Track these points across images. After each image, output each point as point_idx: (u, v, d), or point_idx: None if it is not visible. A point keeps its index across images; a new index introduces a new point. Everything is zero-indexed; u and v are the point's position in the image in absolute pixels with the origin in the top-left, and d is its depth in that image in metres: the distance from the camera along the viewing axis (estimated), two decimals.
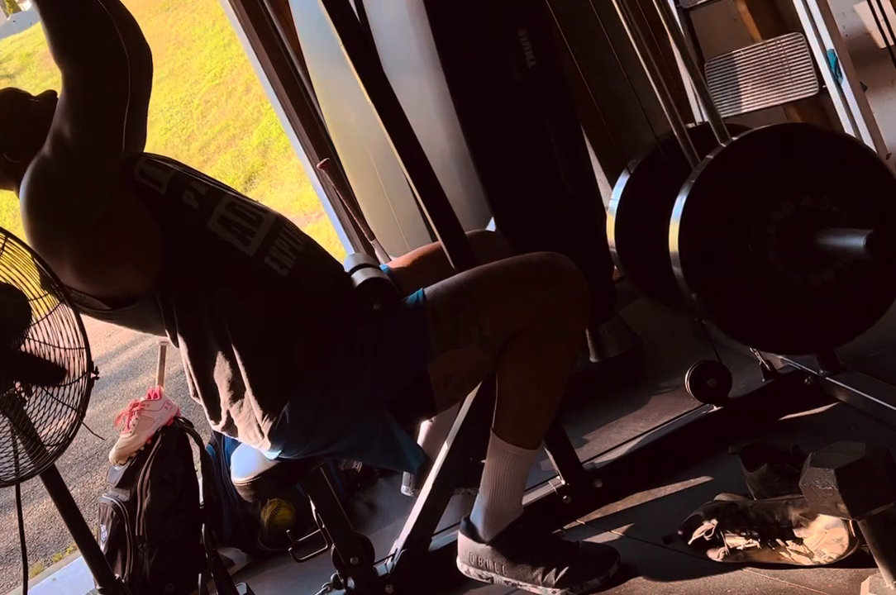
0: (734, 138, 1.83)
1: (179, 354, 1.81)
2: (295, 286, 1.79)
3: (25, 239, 1.67)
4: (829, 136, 1.90)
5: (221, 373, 1.76)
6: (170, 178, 1.80)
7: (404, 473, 2.38)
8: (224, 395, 1.77)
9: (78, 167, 1.65)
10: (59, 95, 1.67)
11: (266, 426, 1.74)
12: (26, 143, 1.73)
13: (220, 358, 1.75)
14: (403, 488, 2.37)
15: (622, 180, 2.13)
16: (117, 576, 1.77)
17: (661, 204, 1.86)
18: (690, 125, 2.01)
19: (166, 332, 1.80)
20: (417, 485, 2.27)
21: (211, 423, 1.85)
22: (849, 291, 1.79)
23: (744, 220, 1.76)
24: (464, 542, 1.86)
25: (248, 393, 1.73)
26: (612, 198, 2.17)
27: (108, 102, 1.64)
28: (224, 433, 1.86)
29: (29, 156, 1.72)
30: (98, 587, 1.75)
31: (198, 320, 1.74)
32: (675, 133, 1.96)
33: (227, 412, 1.79)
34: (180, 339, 1.77)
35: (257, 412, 1.74)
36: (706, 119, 1.91)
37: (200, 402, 1.82)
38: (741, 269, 1.77)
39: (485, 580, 1.85)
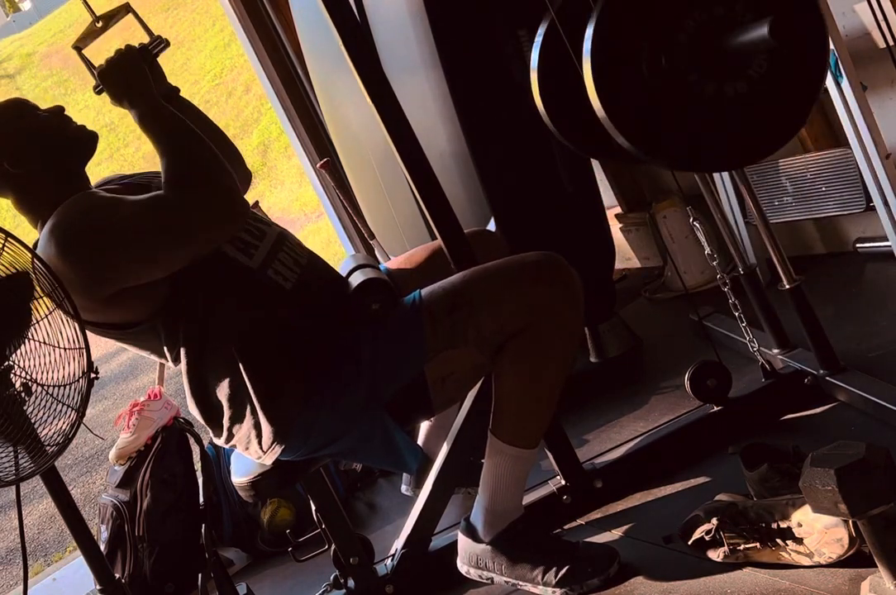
0: None
1: (179, 371, 1.80)
2: (299, 299, 1.78)
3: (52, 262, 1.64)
4: None
5: (225, 388, 1.75)
6: None
7: (404, 474, 2.38)
8: (227, 411, 1.76)
9: (161, 239, 1.64)
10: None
11: (277, 441, 1.74)
12: (29, 154, 1.73)
13: (223, 373, 1.74)
14: (403, 488, 2.37)
15: (538, 40, 2.05)
16: (117, 576, 1.77)
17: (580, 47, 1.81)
18: None
19: (164, 350, 1.78)
20: (417, 485, 2.27)
21: (213, 438, 1.85)
22: (762, 101, 1.75)
23: (656, 33, 1.71)
24: (464, 542, 1.86)
25: (257, 407, 1.72)
26: (532, 57, 2.07)
27: (204, 240, 1.67)
28: (226, 447, 1.86)
29: (30, 167, 1.73)
30: (98, 587, 1.76)
31: (201, 335, 1.73)
32: None
33: (230, 428, 1.79)
34: (182, 356, 1.75)
35: (267, 428, 1.73)
36: None
37: (200, 419, 1.81)
38: (656, 84, 1.73)
39: (485, 580, 1.85)
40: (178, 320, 1.73)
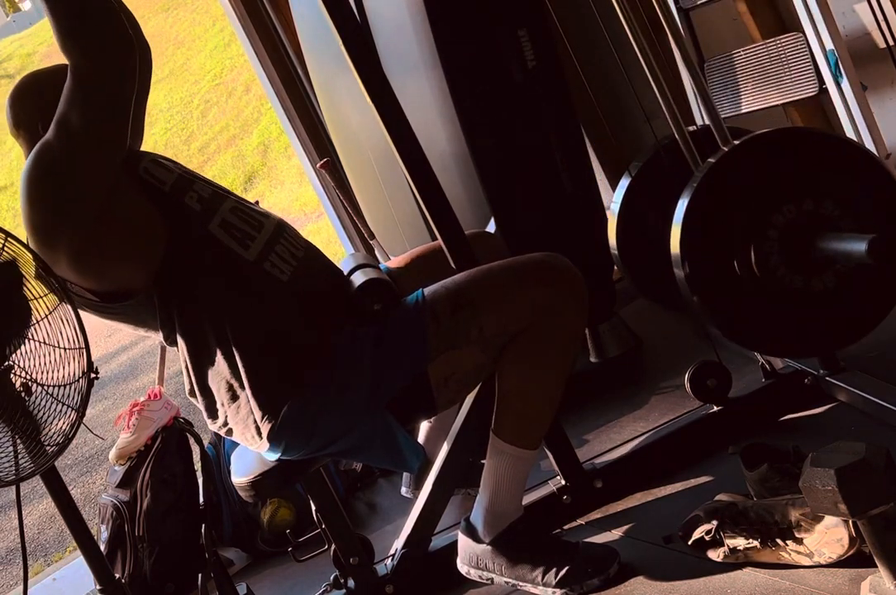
0: (736, 142, 1.83)
1: (177, 353, 1.81)
2: (295, 291, 1.78)
3: (25, 228, 1.67)
4: (831, 139, 1.90)
5: (220, 374, 1.76)
6: (174, 178, 1.79)
7: (404, 475, 2.38)
8: (222, 396, 1.77)
9: (83, 154, 1.65)
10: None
11: (265, 427, 1.74)
12: None
13: (219, 359, 1.75)
14: (403, 490, 2.37)
15: (624, 182, 2.14)
16: (117, 576, 1.77)
17: (661, 207, 1.86)
18: (691, 128, 2.01)
19: (160, 330, 1.79)
20: (417, 486, 2.27)
21: (208, 422, 1.85)
22: (850, 294, 1.79)
23: (746, 223, 1.76)
24: (464, 542, 1.86)
25: (248, 394, 1.73)
26: (613, 200, 2.17)
27: (116, 92, 1.64)
28: (220, 433, 1.86)
29: None
30: (98, 587, 1.76)
31: (198, 321, 1.74)
32: (676, 135, 1.96)
33: (225, 413, 1.79)
34: (179, 339, 1.77)
35: (257, 414, 1.74)
36: (707, 121, 1.91)
37: (198, 401, 1.82)
38: (743, 272, 1.77)
39: (485, 581, 1.85)
40: (171, 304, 1.73)
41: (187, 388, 1.83)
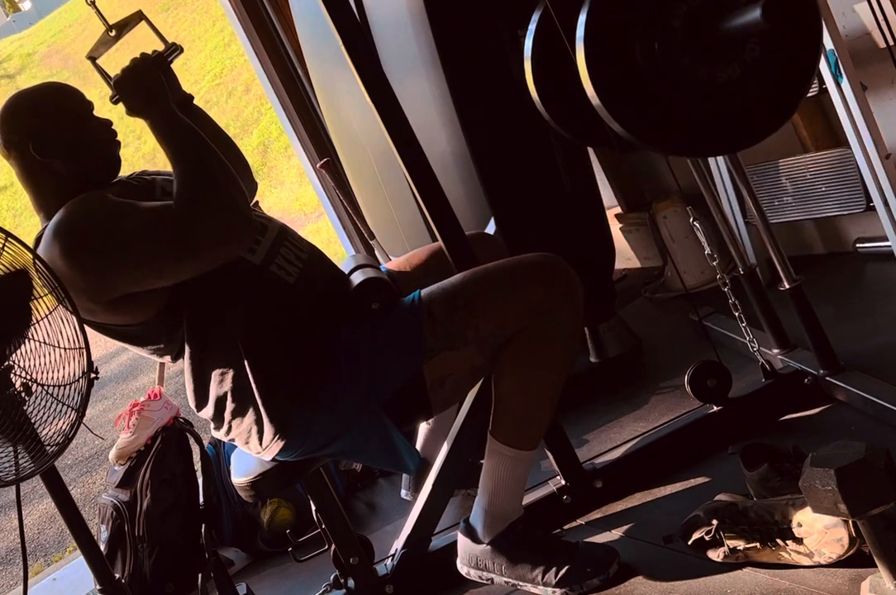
0: None
1: (182, 366, 1.80)
2: (302, 293, 1.78)
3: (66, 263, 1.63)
4: None
5: (228, 382, 1.75)
6: None
7: (404, 478, 2.37)
8: (229, 405, 1.76)
9: (167, 252, 1.62)
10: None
11: (279, 435, 1.74)
12: (58, 146, 1.73)
13: (227, 367, 1.74)
14: (403, 492, 2.37)
15: (533, 19, 2.04)
16: (117, 576, 1.77)
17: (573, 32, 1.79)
18: None
19: (164, 347, 1.78)
20: (417, 489, 2.27)
21: (214, 431, 1.85)
22: (755, 86, 1.75)
23: (648, 14, 1.71)
24: (463, 543, 1.86)
25: (259, 402, 1.73)
26: (525, 39, 2.06)
27: (212, 256, 1.64)
28: (224, 440, 1.86)
29: (53, 161, 1.72)
30: (98, 587, 1.75)
31: (205, 327, 1.73)
32: None
33: (230, 422, 1.79)
34: (186, 350, 1.75)
35: (268, 423, 1.73)
36: None
37: (203, 413, 1.82)
38: (646, 66, 1.71)
39: (485, 581, 1.85)
40: (180, 316, 1.73)
41: (192, 402, 1.82)
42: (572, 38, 1.76)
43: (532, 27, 2.02)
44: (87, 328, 1.63)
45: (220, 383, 1.76)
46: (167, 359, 1.81)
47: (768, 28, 1.59)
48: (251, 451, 1.81)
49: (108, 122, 1.82)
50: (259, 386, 1.72)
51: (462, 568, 1.86)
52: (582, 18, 1.73)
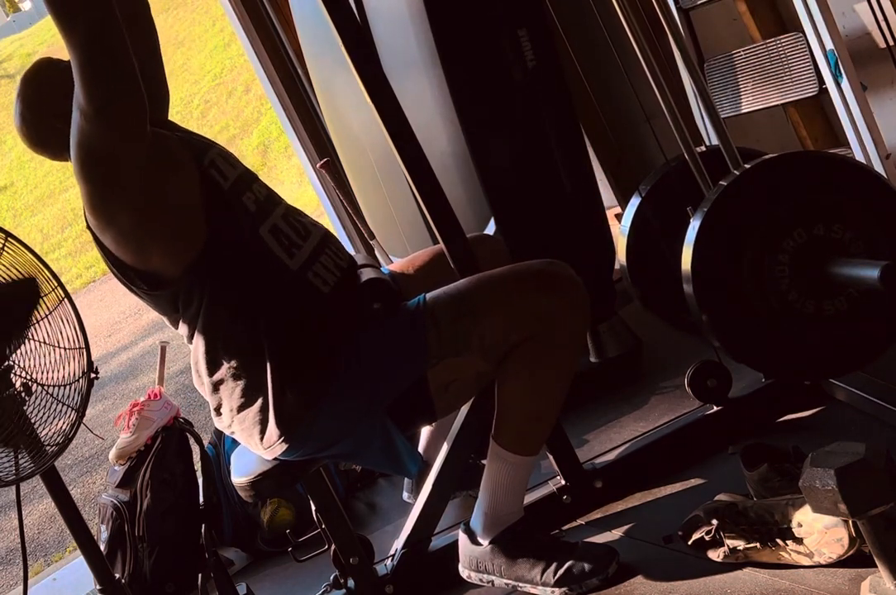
0: (747, 165, 1.83)
1: (190, 349, 1.79)
2: (333, 304, 1.77)
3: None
4: (842, 163, 1.90)
5: (239, 378, 1.74)
6: (237, 175, 1.78)
7: (405, 480, 2.37)
8: (234, 400, 1.76)
9: (105, 120, 1.61)
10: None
11: (283, 436, 1.74)
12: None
13: (240, 364, 1.73)
14: (405, 495, 2.36)
15: (634, 202, 2.15)
16: (117, 576, 1.78)
17: (671, 228, 1.86)
18: (700, 148, 2.03)
19: (181, 325, 1.78)
20: (418, 491, 2.27)
21: (215, 419, 1.85)
22: (861, 318, 1.79)
23: (756, 247, 1.76)
24: (464, 546, 1.86)
25: (270, 402, 1.73)
26: (622, 222, 2.19)
27: (112, 51, 1.59)
28: (225, 432, 1.86)
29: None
30: (98, 587, 1.76)
31: (225, 323, 1.73)
32: (686, 157, 1.98)
33: (234, 416, 1.79)
34: (197, 337, 1.75)
35: (274, 422, 1.73)
36: (715, 141, 1.94)
37: (208, 399, 1.81)
38: (753, 295, 1.77)
39: (485, 584, 1.85)
40: (199, 300, 1.71)
41: (196, 380, 1.82)
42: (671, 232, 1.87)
43: (635, 201, 2.17)
44: (85, 328, 1.63)
45: (231, 377, 1.75)
46: (177, 328, 1.80)
47: (881, 288, 1.61)
48: (253, 448, 1.81)
49: None
50: (275, 386, 1.71)
51: (463, 572, 1.86)
52: (695, 223, 1.80)
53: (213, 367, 1.77)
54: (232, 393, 1.76)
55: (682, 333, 2.27)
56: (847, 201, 1.78)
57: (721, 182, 1.83)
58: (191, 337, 1.78)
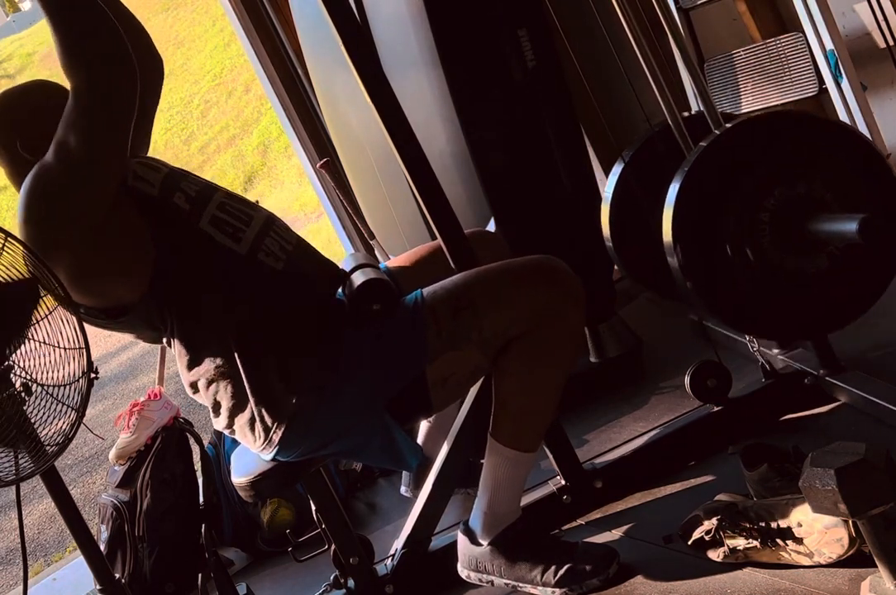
0: (728, 125, 1.81)
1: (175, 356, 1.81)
2: (291, 281, 1.78)
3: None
4: (822, 122, 1.89)
5: (221, 379, 1.75)
6: (161, 178, 1.78)
7: (404, 474, 2.37)
8: (226, 401, 1.76)
9: (80, 178, 1.63)
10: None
11: (278, 434, 1.74)
12: (45, 143, 1.70)
13: (219, 364, 1.74)
14: (403, 489, 2.37)
15: (616, 169, 2.11)
16: (117, 576, 1.77)
17: (656, 193, 1.85)
18: (685, 114, 2.00)
19: (162, 338, 1.79)
20: (417, 485, 2.27)
21: (213, 420, 1.85)
22: (843, 276, 1.78)
23: (737, 207, 1.74)
24: (463, 546, 1.85)
25: (251, 402, 1.73)
26: (606, 187, 2.15)
27: (115, 113, 1.62)
28: (225, 432, 1.86)
29: (39, 158, 1.70)
30: (98, 587, 1.75)
31: (195, 326, 1.73)
32: (669, 121, 1.94)
33: (227, 417, 1.79)
34: (176, 344, 1.76)
35: (268, 420, 1.73)
36: (702, 108, 1.91)
37: (204, 401, 1.82)
38: (735, 256, 1.76)
39: (485, 584, 1.85)
40: (169, 310, 1.72)
41: (189, 392, 1.82)
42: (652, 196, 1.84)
43: (616, 170, 2.13)
44: (85, 328, 1.63)
45: (220, 377, 1.75)
46: (163, 343, 1.81)
47: (861, 241, 1.62)
48: (251, 447, 1.81)
49: None
50: (251, 381, 1.72)
51: (462, 572, 1.86)
52: (674, 188, 1.79)
53: (200, 369, 1.77)
54: (224, 393, 1.76)
55: (667, 301, 2.25)
56: (829, 160, 1.77)
57: (701, 142, 1.81)
58: (171, 344, 1.79)
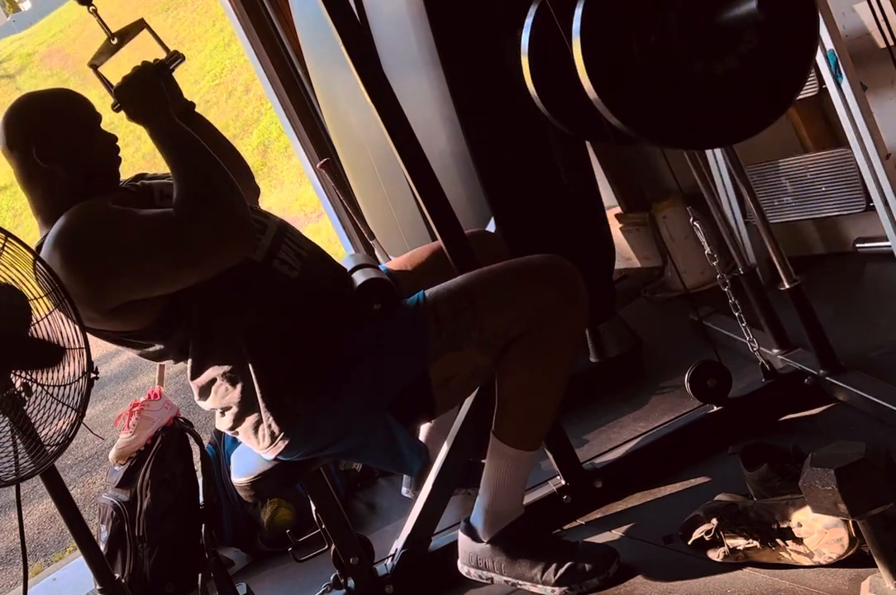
0: None
1: (179, 370, 1.80)
2: (305, 288, 1.78)
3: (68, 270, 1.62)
4: None
5: (234, 385, 1.75)
6: None
7: (404, 476, 2.37)
8: (235, 403, 1.76)
9: (168, 259, 1.62)
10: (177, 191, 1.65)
11: (284, 442, 1.74)
12: (60, 152, 1.72)
13: (232, 369, 1.74)
14: (404, 490, 2.37)
15: (533, 8, 2.03)
16: (117, 576, 1.77)
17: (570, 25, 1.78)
18: None
19: (164, 349, 1.78)
20: (418, 486, 2.26)
21: (218, 420, 1.85)
22: (752, 78, 1.74)
23: (644, 9, 1.71)
24: (464, 543, 1.86)
25: (261, 406, 1.73)
26: (523, 30, 2.05)
27: (213, 263, 1.64)
28: (228, 433, 1.86)
29: (54, 167, 1.71)
30: (98, 587, 1.75)
31: (211, 332, 1.73)
32: None
33: (233, 419, 1.79)
34: (190, 352, 1.75)
35: (275, 426, 1.73)
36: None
37: (209, 403, 1.82)
38: (644, 61, 1.71)
39: (485, 580, 1.85)
40: (181, 318, 1.72)
41: (197, 398, 1.82)
42: (569, 31, 1.76)
43: (528, 21, 2.01)
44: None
45: (226, 384, 1.75)
46: (167, 362, 1.81)
47: (764, 18, 1.59)
48: (255, 448, 1.81)
49: (114, 138, 1.81)
50: (262, 386, 1.72)
51: (462, 567, 1.86)
52: (578, 11, 1.72)
53: (211, 373, 1.76)
54: (232, 395, 1.76)
55: (598, 142, 2.09)
56: None
57: None
58: (179, 353, 1.78)
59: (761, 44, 1.73)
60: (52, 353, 1.59)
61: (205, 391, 1.80)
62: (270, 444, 1.76)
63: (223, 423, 1.83)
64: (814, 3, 1.78)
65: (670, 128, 1.78)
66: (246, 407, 1.76)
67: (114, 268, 1.62)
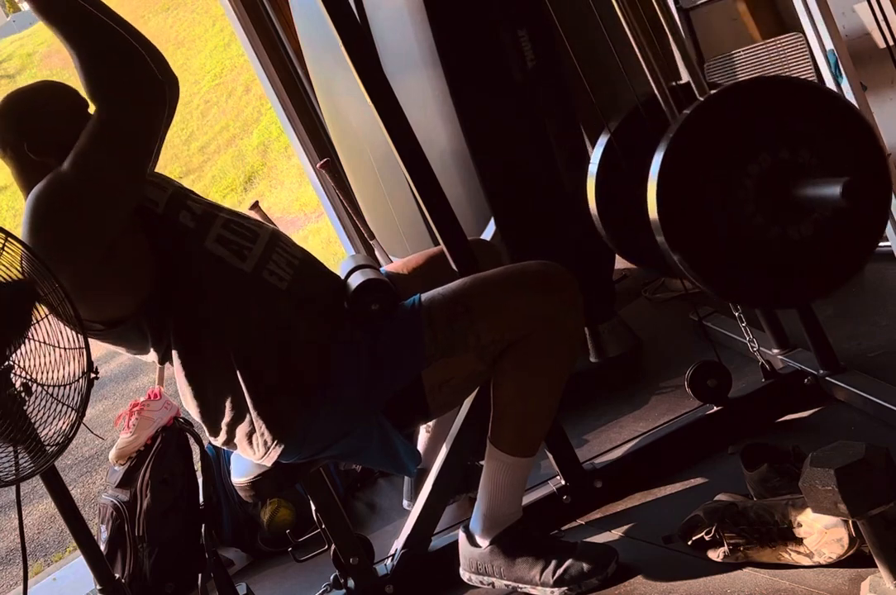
0: (711, 92, 1.80)
1: (174, 372, 1.80)
2: (294, 299, 1.77)
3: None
4: (805, 87, 1.87)
5: (223, 391, 1.74)
6: (167, 197, 1.77)
7: (405, 487, 2.36)
8: (227, 414, 1.76)
9: (104, 194, 1.63)
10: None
11: (277, 450, 1.74)
12: (55, 145, 1.71)
13: (220, 376, 1.73)
14: (405, 503, 2.35)
15: (602, 140, 2.07)
16: (117, 576, 1.77)
17: (642, 165, 1.82)
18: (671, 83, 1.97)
19: (152, 351, 1.78)
20: (417, 498, 2.26)
21: (210, 439, 1.85)
22: (827, 244, 1.76)
23: (722, 175, 1.73)
24: (464, 549, 1.85)
25: (251, 414, 1.73)
26: (591, 160, 2.10)
27: (141, 139, 1.63)
28: (224, 448, 1.86)
29: (47, 159, 1.70)
30: (98, 587, 1.76)
31: (197, 340, 1.73)
32: (655, 90, 1.92)
33: (227, 431, 1.78)
34: (176, 359, 1.75)
35: (268, 435, 1.73)
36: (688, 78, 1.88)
37: (198, 419, 1.82)
38: (721, 225, 1.74)
39: (486, 586, 1.85)
40: (167, 322, 1.72)
41: (185, 404, 1.82)
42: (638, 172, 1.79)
43: (599, 149, 2.06)
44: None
45: (215, 392, 1.75)
46: (154, 359, 1.80)
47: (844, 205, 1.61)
48: (251, 457, 1.81)
49: None
50: (252, 396, 1.71)
51: (464, 574, 1.86)
52: (658, 158, 1.75)
53: (197, 386, 1.76)
54: (221, 410, 1.76)
55: (653, 271, 2.16)
56: (813, 126, 1.75)
57: (685, 110, 1.78)
58: (164, 360, 1.78)
59: (831, 219, 1.76)
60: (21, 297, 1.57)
61: (193, 400, 1.79)
62: (265, 453, 1.76)
63: (217, 439, 1.82)
64: (889, 192, 1.80)
65: (754, 291, 1.82)
66: (237, 415, 1.75)
67: (74, 183, 1.62)
